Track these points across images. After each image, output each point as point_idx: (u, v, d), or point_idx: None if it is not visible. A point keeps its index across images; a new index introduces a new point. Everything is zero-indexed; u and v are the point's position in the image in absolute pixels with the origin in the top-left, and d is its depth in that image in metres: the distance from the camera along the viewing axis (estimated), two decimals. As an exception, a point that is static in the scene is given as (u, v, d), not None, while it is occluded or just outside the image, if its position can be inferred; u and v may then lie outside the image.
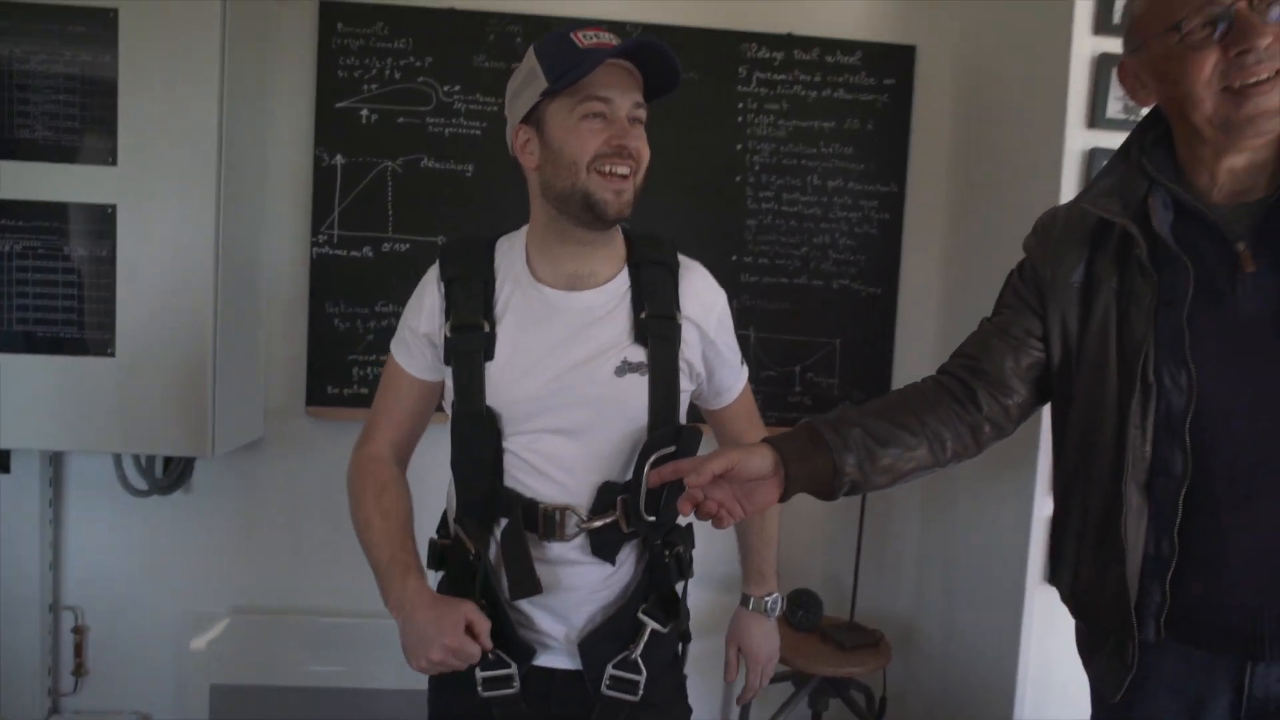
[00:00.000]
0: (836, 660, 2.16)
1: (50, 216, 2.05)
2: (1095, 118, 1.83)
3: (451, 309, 1.35)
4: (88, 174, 2.05)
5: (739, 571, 2.34)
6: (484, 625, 1.28)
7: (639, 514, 1.32)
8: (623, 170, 1.27)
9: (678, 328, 1.36)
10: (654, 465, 1.28)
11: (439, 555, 1.43)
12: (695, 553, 1.47)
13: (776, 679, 1.59)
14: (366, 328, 2.37)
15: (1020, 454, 1.91)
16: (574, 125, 1.26)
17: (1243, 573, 1.06)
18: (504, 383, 1.31)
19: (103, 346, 2.06)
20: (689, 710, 1.48)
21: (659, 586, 1.39)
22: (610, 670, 1.35)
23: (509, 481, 1.33)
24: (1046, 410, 1.31)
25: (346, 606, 2.42)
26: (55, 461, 2.38)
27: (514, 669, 1.34)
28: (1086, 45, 1.83)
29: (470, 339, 1.33)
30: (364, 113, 2.36)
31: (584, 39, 1.27)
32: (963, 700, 2.18)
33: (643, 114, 1.31)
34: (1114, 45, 1.81)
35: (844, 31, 2.43)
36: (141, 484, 2.35)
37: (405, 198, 2.37)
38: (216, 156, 2.07)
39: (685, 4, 2.40)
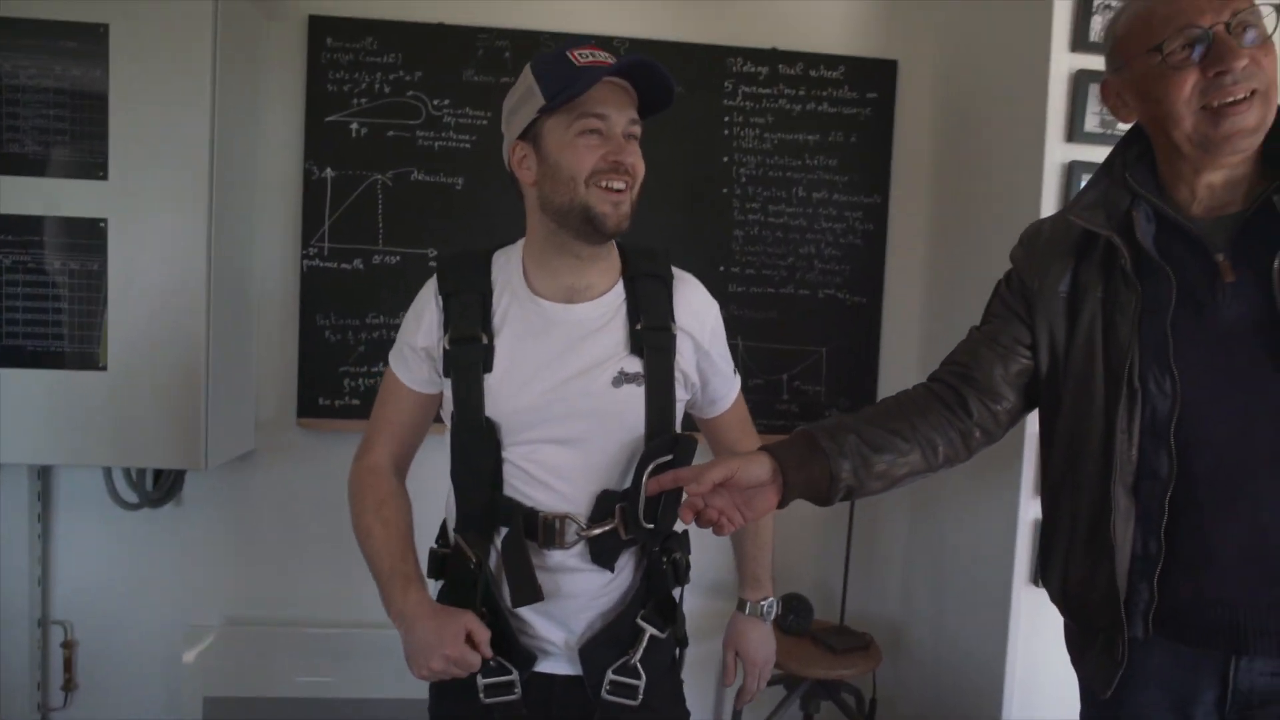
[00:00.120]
0: (827, 663, 2.19)
1: (41, 231, 2.05)
2: (1074, 132, 1.88)
3: (450, 322, 1.37)
4: (79, 188, 2.05)
5: (732, 578, 2.37)
6: (483, 635, 1.30)
7: (637, 521, 1.34)
8: (619, 185, 1.29)
9: (673, 339, 1.39)
10: (652, 474, 1.31)
11: (439, 564, 1.45)
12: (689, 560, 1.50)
13: (769, 682, 1.62)
14: (358, 339, 2.39)
15: (1005, 458, 1.95)
16: (571, 141, 1.29)
17: (1227, 570, 1.11)
18: (503, 394, 1.34)
19: (94, 360, 2.07)
20: (687, 714, 1.51)
21: (657, 593, 1.42)
22: (610, 675, 1.38)
23: (508, 491, 1.35)
24: (1031, 415, 1.35)
25: (339, 617, 2.44)
26: (44, 476, 2.37)
27: (515, 675, 1.36)
28: (1064, 62, 1.88)
29: (469, 351, 1.35)
30: (354, 126, 2.37)
31: (580, 57, 1.29)
32: (951, 701, 2.22)
33: (638, 130, 1.34)
34: (1090, 62, 1.87)
35: (827, 46, 2.48)
36: (132, 497, 2.35)
37: (395, 210, 2.38)
38: (208, 170, 2.08)
39: (672, 19, 2.44)
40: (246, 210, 2.33)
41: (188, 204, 2.07)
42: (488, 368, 1.34)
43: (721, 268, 2.45)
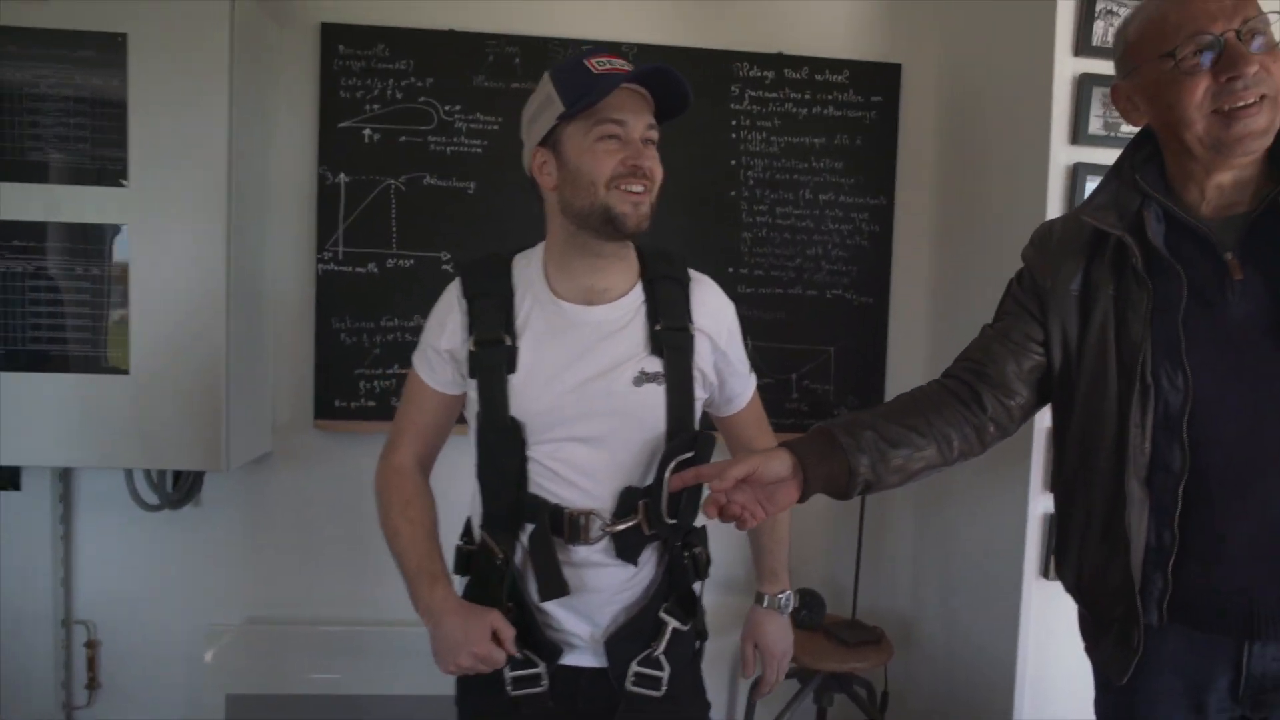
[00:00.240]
0: (840, 656, 2.23)
1: (63, 237, 2.09)
2: (1078, 134, 1.92)
3: (474, 325, 1.40)
4: (99, 195, 2.08)
5: (745, 574, 2.41)
6: (509, 633, 1.35)
7: (660, 517, 1.38)
8: (638, 188, 1.33)
9: (691, 339, 1.43)
10: (674, 470, 1.35)
11: (465, 561, 1.49)
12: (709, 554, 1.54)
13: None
14: (373, 342, 2.42)
15: (1014, 455, 1.99)
16: (590, 147, 1.32)
17: (1239, 559, 1.14)
18: (527, 394, 1.37)
19: (117, 364, 2.10)
20: (708, 705, 1.54)
21: (678, 586, 1.46)
22: (634, 667, 1.41)
23: (533, 489, 1.39)
24: (1040, 411, 1.39)
25: (356, 615, 2.48)
26: (65, 478, 2.41)
27: (542, 668, 1.40)
28: (1068, 66, 1.92)
29: (493, 353, 1.38)
30: (366, 132, 2.41)
31: (597, 65, 1.32)
32: (963, 693, 2.26)
33: (655, 135, 1.37)
34: (1093, 66, 1.91)
35: (832, 51, 2.52)
36: (153, 499, 2.39)
37: (408, 215, 2.42)
38: (226, 176, 2.11)
39: (679, 25, 2.48)
40: (261, 216, 2.37)
41: (206, 210, 2.10)
42: (512, 369, 1.38)
43: (730, 269, 2.48)
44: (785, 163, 2.51)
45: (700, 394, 1.46)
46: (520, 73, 2.42)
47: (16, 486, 2.32)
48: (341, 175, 2.40)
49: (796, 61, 2.50)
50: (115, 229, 2.09)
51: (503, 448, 1.38)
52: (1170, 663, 1.22)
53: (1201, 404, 1.14)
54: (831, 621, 2.38)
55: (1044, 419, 1.86)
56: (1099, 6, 1.88)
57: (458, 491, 1.50)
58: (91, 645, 2.46)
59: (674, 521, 1.40)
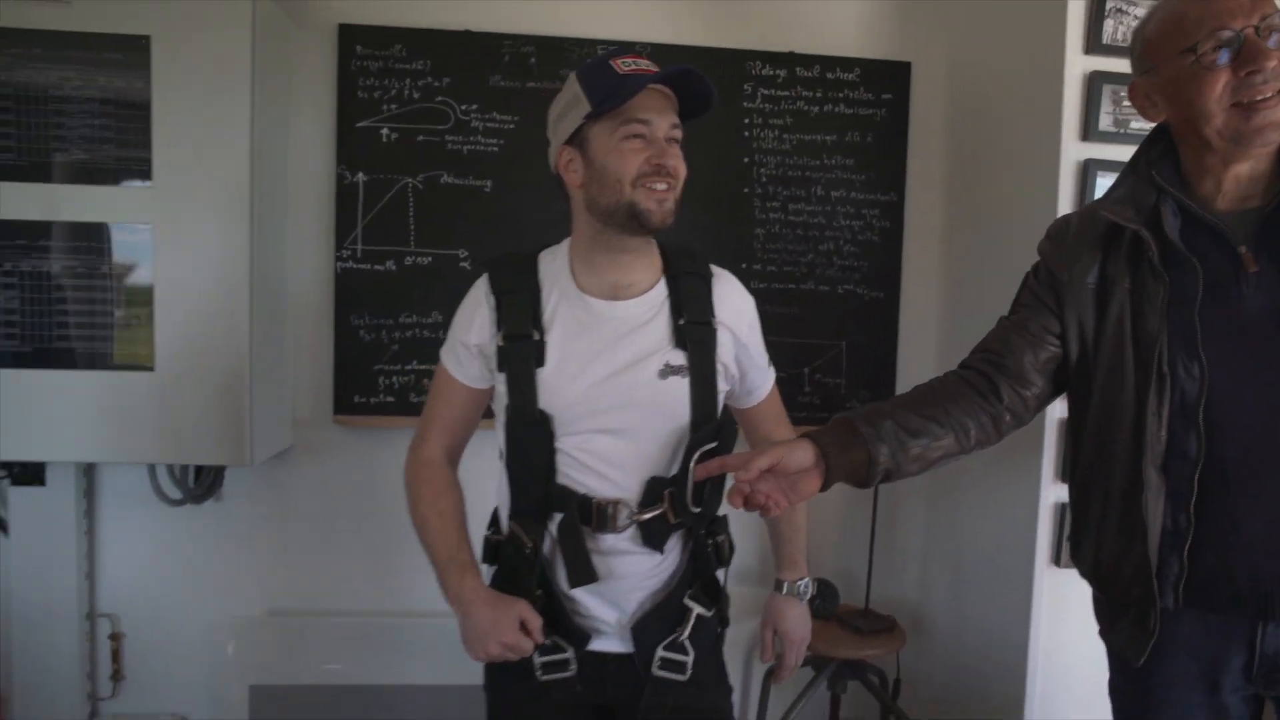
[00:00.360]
0: (854, 644, 2.27)
1: (89, 236, 2.12)
2: (1088, 131, 1.95)
3: (503, 320, 1.43)
4: (124, 194, 2.12)
5: (756, 564, 2.45)
6: (536, 622, 1.39)
7: (685, 506, 1.42)
8: (662, 186, 1.37)
9: (714, 333, 1.47)
10: (699, 460, 1.39)
11: (493, 550, 1.53)
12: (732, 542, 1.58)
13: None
14: (391, 338, 2.46)
15: (1026, 445, 2.02)
16: (616, 146, 1.36)
17: (1254, 542, 1.18)
18: (555, 387, 1.41)
19: (142, 361, 2.13)
20: (730, 689, 1.58)
21: (702, 573, 1.50)
22: (660, 652, 1.45)
23: (562, 479, 1.42)
24: (1053, 402, 1.42)
25: (376, 606, 2.52)
26: (89, 474, 2.44)
27: (570, 654, 1.44)
28: (1079, 64, 1.95)
29: (522, 348, 1.41)
30: (384, 131, 2.44)
31: (623, 65, 1.36)
32: (974, 679, 2.30)
33: (679, 134, 1.41)
34: (1103, 64, 1.95)
35: (843, 49, 2.55)
36: (176, 493, 2.43)
37: (426, 213, 2.45)
38: (249, 176, 2.14)
39: (693, 25, 2.51)
40: (282, 214, 2.40)
41: (230, 209, 2.14)
42: (540, 362, 1.41)
43: (744, 265, 2.52)
44: (797, 160, 2.54)
45: (722, 386, 1.49)
46: (536, 72, 2.45)
47: (41, 482, 2.35)
48: (360, 174, 2.44)
49: (808, 60, 2.53)
50: (141, 228, 2.12)
51: (532, 440, 1.41)
52: (1185, 645, 1.26)
53: (1217, 393, 1.18)
54: (845, 611, 2.42)
55: (1055, 410, 1.91)
56: (1109, 5, 1.92)
57: (480, 484, 1.54)
58: (116, 638, 2.50)
59: (699, 510, 1.44)
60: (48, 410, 2.13)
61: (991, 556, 2.24)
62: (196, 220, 2.13)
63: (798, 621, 1.63)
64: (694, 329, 1.45)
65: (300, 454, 2.51)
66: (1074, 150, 1.97)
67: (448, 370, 1.51)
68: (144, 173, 2.11)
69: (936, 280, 2.65)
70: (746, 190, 2.54)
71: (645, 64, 1.37)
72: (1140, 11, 1.93)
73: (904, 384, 2.55)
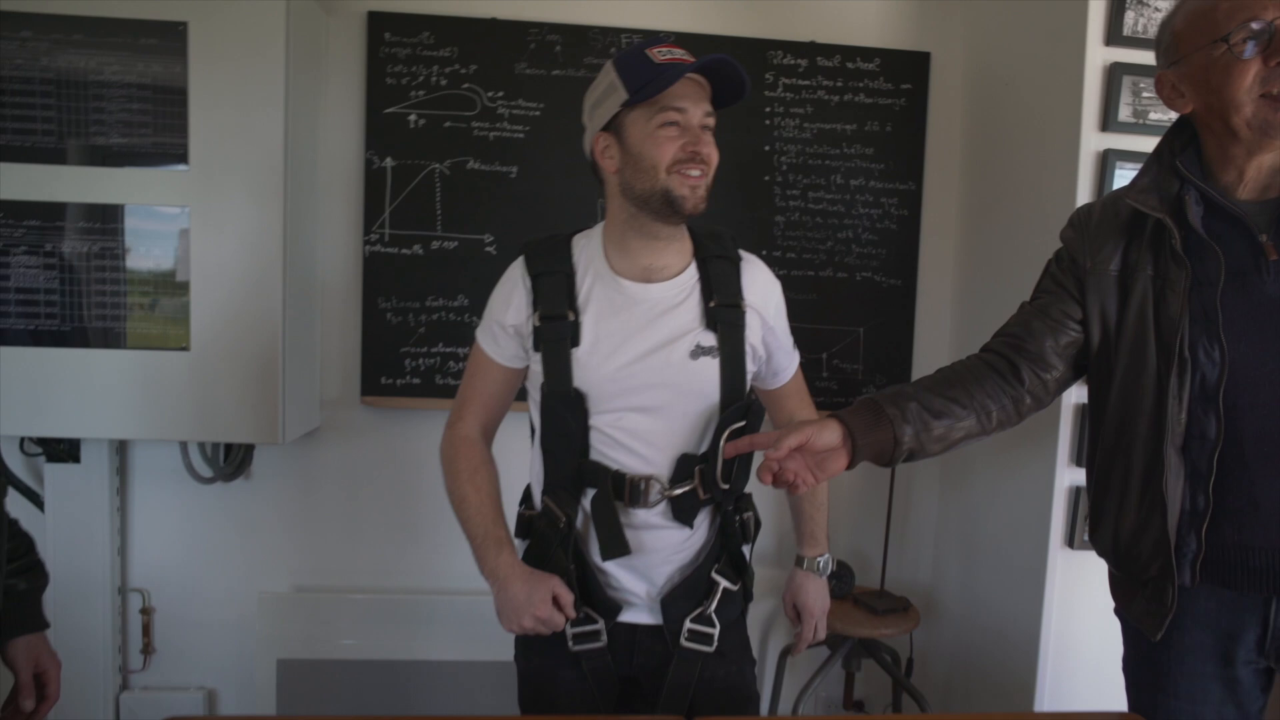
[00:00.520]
0: (870, 624, 2.32)
1: (127, 218, 2.16)
2: (1108, 121, 1.99)
3: (539, 301, 1.48)
4: (161, 178, 2.16)
5: (774, 546, 2.50)
6: (568, 598, 1.44)
7: (715, 482, 1.47)
8: (696, 173, 1.41)
9: (743, 315, 1.51)
10: (729, 438, 1.44)
11: (526, 525, 1.58)
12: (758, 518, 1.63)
13: (812, 644, 1.74)
14: (418, 321, 2.50)
15: (1042, 430, 2.06)
16: (652, 133, 1.40)
17: (1271, 520, 1.23)
18: (589, 366, 1.45)
19: (178, 341, 2.18)
20: (753, 661, 1.62)
21: (729, 548, 1.54)
22: (688, 624, 1.50)
23: (595, 456, 1.47)
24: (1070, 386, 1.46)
25: (403, 583, 2.58)
26: (121, 452, 2.50)
27: (601, 625, 1.49)
28: (1099, 56, 1.98)
29: (558, 328, 1.46)
30: (412, 118, 2.48)
31: (659, 55, 1.40)
32: (986, 658, 2.34)
33: (712, 122, 1.45)
34: (1124, 56, 1.97)
35: (863, 39, 2.59)
36: (207, 471, 2.48)
37: (453, 198, 2.49)
38: (283, 161, 2.18)
39: (716, 14, 2.54)
40: (311, 199, 2.44)
41: (265, 193, 2.18)
42: (575, 342, 1.45)
43: (764, 252, 2.56)
44: (817, 149, 2.58)
45: (750, 367, 1.53)
46: (561, 60, 2.49)
47: (76, 459, 2.41)
48: (388, 159, 2.48)
49: (829, 50, 2.57)
50: (178, 211, 2.17)
51: (567, 417, 1.46)
52: (1201, 620, 1.30)
53: (1236, 376, 1.22)
54: (860, 591, 2.47)
55: (1071, 396, 1.95)
56: (1129, -2, 1.95)
57: (507, 462, 1.59)
58: (146, 612, 2.56)
59: (727, 486, 1.48)
60: (84, 388, 2.18)
61: (1005, 539, 2.29)
62: (231, 204, 2.17)
63: (817, 595, 1.68)
64: (724, 311, 1.49)
65: (328, 434, 2.56)
66: (1093, 140, 2.00)
67: (484, 350, 1.55)
68: (181, 157, 2.15)
69: (953, 268, 2.69)
70: (767, 178, 2.57)
71: (680, 53, 1.41)
72: (1162, 3, 1.96)
73: (920, 370, 2.59)
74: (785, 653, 2.53)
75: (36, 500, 2.43)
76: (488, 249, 2.50)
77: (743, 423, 1.47)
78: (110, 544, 2.47)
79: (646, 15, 2.52)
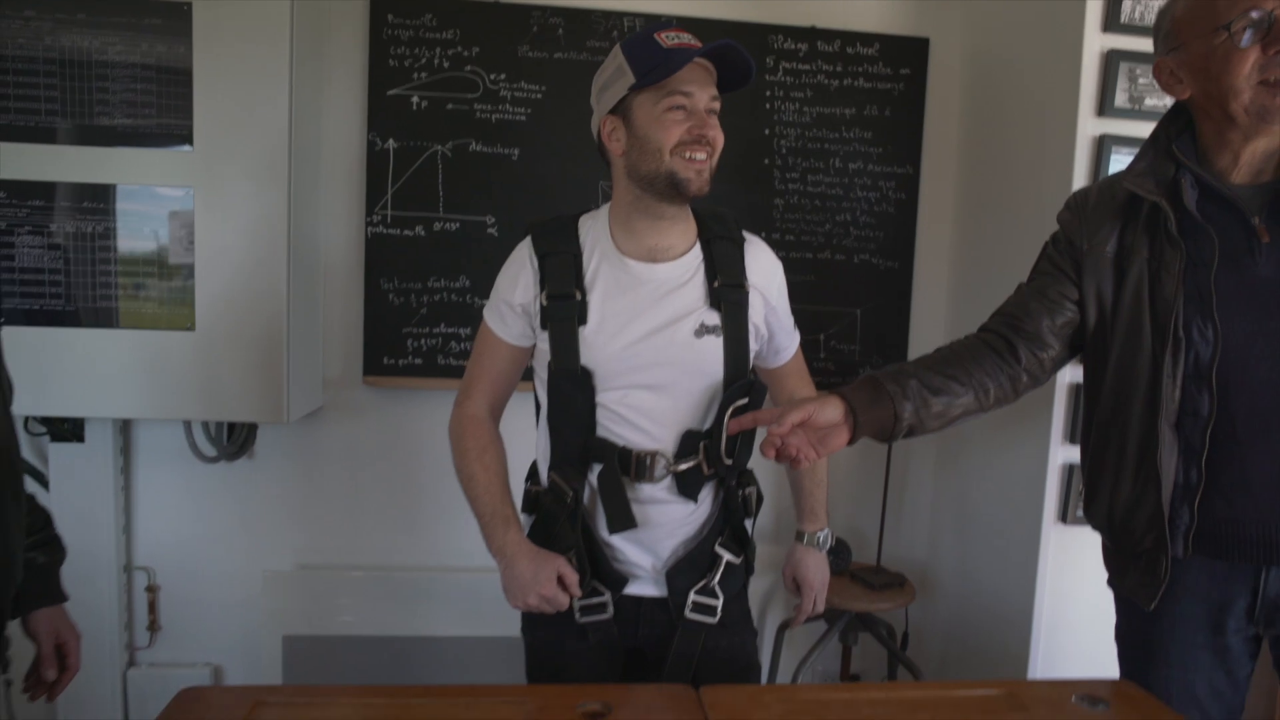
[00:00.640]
0: (866, 598, 2.36)
1: (131, 200, 2.18)
2: (1104, 107, 2.02)
3: (547, 280, 1.50)
4: (166, 158, 2.17)
5: (771, 524, 2.54)
6: (573, 578, 1.47)
7: (718, 457, 1.50)
8: (701, 155, 1.44)
9: (746, 294, 1.54)
10: (732, 415, 1.47)
11: (532, 501, 1.61)
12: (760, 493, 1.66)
13: (810, 618, 1.78)
14: (420, 302, 2.52)
15: (1036, 408, 2.10)
16: (659, 116, 1.43)
17: (1262, 494, 1.27)
18: (596, 344, 1.48)
19: (183, 321, 2.20)
20: (755, 632, 1.66)
21: (732, 522, 1.58)
22: (692, 596, 1.53)
23: (601, 432, 1.50)
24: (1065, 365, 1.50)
25: (404, 560, 2.62)
26: (125, 431, 2.52)
27: (607, 597, 1.53)
28: (1096, 42, 2.00)
29: (565, 307, 1.49)
30: (414, 99, 2.50)
31: (666, 39, 1.42)
32: (981, 634, 2.39)
33: (718, 105, 1.47)
34: (1120, 42, 2.00)
35: (863, 25, 2.61)
36: (210, 451, 2.50)
37: (455, 180, 2.51)
38: (287, 142, 2.19)
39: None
40: (315, 179, 2.46)
41: (269, 174, 2.19)
42: (582, 321, 1.48)
43: (763, 234, 2.51)
44: (816, 133, 2.61)
45: (753, 345, 1.57)
46: (563, 43, 2.50)
47: (80, 439, 2.43)
48: (390, 141, 2.49)
49: (829, 35, 2.59)
50: (182, 192, 2.18)
51: (574, 394, 1.49)
52: (1192, 590, 1.35)
53: (1229, 354, 1.26)
54: (857, 567, 2.51)
55: (1065, 375, 1.99)
56: (1128, -15, 1.98)
57: (511, 441, 1.62)
58: (152, 590, 2.59)
59: (730, 462, 1.52)
60: (89, 368, 2.19)
61: (1000, 515, 2.33)
62: (236, 185, 2.18)
63: (817, 569, 1.72)
64: (727, 291, 1.52)
65: (331, 413, 2.59)
66: (1090, 126, 2.03)
67: (491, 329, 1.57)
68: (185, 138, 2.16)
69: (949, 251, 2.72)
70: (767, 161, 2.60)
71: (688, 38, 1.43)
72: (1160, -9, 1.99)
73: (916, 351, 2.62)
74: (783, 627, 2.57)
75: (41, 480, 2.45)
76: (489, 230, 2.52)
77: (746, 400, 1.50)
78: (115, 523, 2.49)
79: (649, 1, 2.53)
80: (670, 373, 1.49)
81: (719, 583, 1.55)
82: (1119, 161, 1.99)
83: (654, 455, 1.49)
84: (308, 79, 2.34)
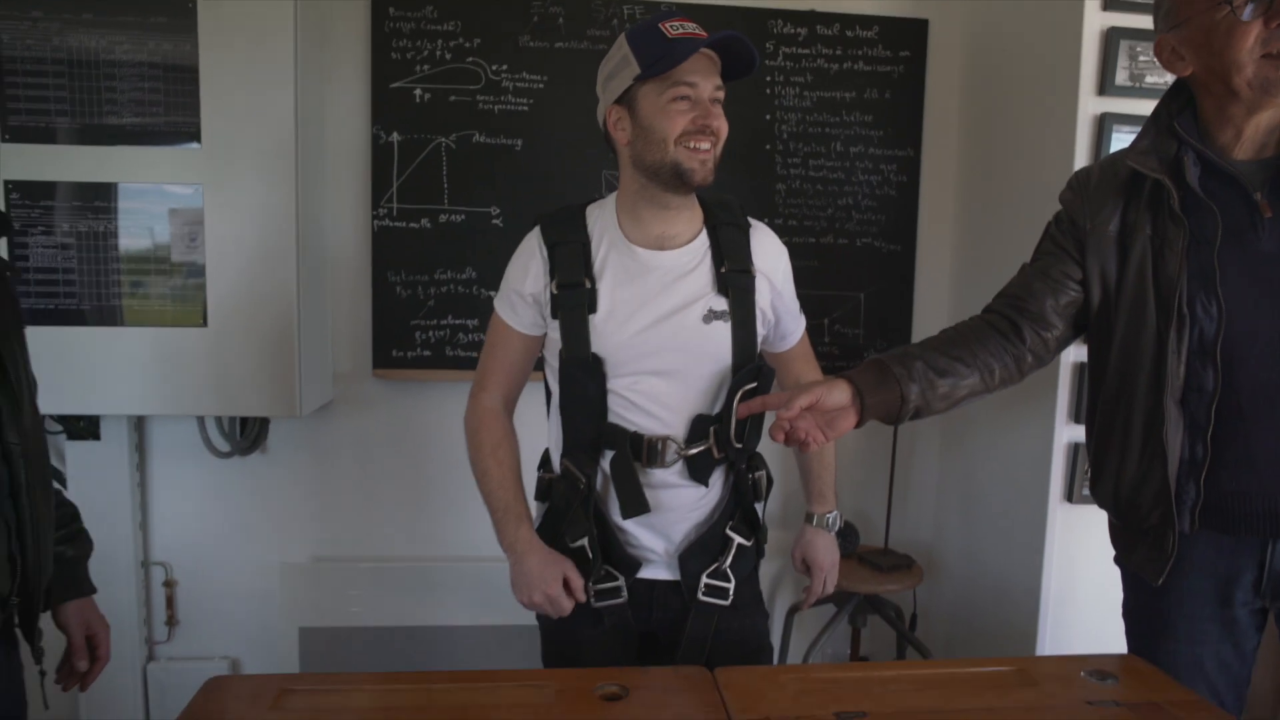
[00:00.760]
0: (874, 580, 2.39)
1: (140, 198, 2.20)
2: (1105, 85, 2.02)
3: (556, 270, 1.52)
4: (174, 156, 2.18)
5: (778, 509, 2.56)
6: (578, 582, 1.51)
7: (728, 441, 1.52)
8: (705, 145, 1.45)
9: (753, 280, 1.56)
10: (741, 399, 1.49)
11: (545, 488, 1.63)
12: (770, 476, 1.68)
13: (819, 601, 1.80)
14: (427, 294, 2.54)
15: (1041, 388, 2.12)
16: (664, 107, 1.44)
17: (1266, 468, 1.29)
18: (606, 331, 1.50)
19: (194, 318, 2.22)
20: (766, 614, 1.69)
21: (743, 505, 1.60)
22: (704, 579, 1.56)
23: (613, 418, 1.52)
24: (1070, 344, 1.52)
25: (417, 551, 2.65)
26: (140, 428, 2.54)
27: (621, 581, 1.55)
28: (1096, 20, 2.01)
29: (575, 295, 1.51)
30: (417, 92, 2.51)
31: (671, 29, 1.43)
32: (988, 614, 2.42)
33: (722, 95, 1.49)
34: (1120, 20, 2.01)
35: (862, 8, 2.61)
36: (224, 446, 2.53)
37: (459, 171, 2.52)
38: (293, 137, 2.20)
39: (717, -16, 2.57)
40: (321, 174, 2.47)
41: (277, 169, 2.20)
42: (592, 309, 1.50)
43: (766, 219, 2.52)
44: (817, 117, 2.61)
45: (760, 330, 1.59)
46: (564, 32, 2.51)
47: (96, 436, 2.46)
48: (394, 134, 2.51)
49: (828, 18, 2.59)
50: (191, 189, 2.19)
51: (586, 382, 1.51)
52: (1199, 564, 1.36)
53: (1233, 330, 1.27)
54: (865, 550, 2.54)
55: (1070, 355, 2.00)
56: (1126, -37, 1.99)
57: (520, 430, 1.64)
58: (169, 584, 2.62)
59: (740, 445, 1.54)
60: (103, 366, 2.21)
61: (1006, 495, 2.35)
62: (244, 181, 2.20)
63: (826, 550, 1.74)
64: (735, 276, 1.54)
65: (341, 407, 2.61)
66: (1091, 104, 2.04)
67: (503, 319, 1.59)
68: (193, 135, 2.17)
69: (951, 233, 2.73)
70: (768, 146, 2.61)
71: (693, 27, 1.44)
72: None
73: (920, 334, 2.64)
74: (793, 611, 2.60)
75: (59, 477, 2.48)
76: (494, 221, 2.53)
77: (754, 384, 1.52)
78: (132, 519, 2.52)
79: (649, -12, 2.54)
80: (680, 358, 1.51)
81: (730, 565, 1.57)
82: (1120, 140, 2.00)
83: (665, 440, 1.51)
84: (312, 74, 2.35)
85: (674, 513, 1.55)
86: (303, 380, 2.28)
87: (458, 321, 2.55)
